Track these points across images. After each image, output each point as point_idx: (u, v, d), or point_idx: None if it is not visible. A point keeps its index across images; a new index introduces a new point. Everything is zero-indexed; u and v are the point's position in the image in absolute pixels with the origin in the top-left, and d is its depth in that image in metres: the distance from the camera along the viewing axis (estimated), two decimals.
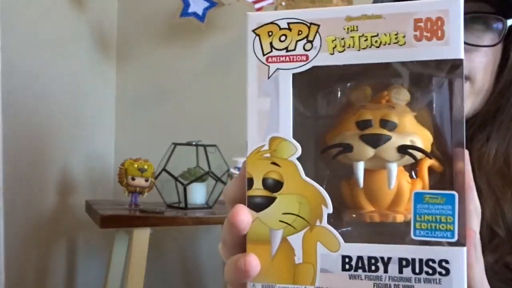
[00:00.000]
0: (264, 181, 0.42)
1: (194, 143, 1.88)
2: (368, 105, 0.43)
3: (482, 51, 0.63)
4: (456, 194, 0.39)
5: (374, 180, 0.42)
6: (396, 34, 0.39)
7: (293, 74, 0.41)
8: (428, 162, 0.42)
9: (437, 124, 0.42)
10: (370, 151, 0.41)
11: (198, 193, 1.88)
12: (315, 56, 0.41)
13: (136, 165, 1.79)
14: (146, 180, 1.79)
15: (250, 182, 0.42)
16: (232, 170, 1.87)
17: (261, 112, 0.42)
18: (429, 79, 0.41)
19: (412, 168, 0.42)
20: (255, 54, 0.42)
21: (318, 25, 0.41)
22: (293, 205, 0.41)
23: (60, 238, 1.99)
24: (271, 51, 0.42)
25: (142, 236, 1.67)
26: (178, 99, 2.25)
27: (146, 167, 1.80)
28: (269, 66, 0.42)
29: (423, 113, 0.43)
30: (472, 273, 0.41)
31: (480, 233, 0.62)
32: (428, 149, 0.42)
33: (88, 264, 2.18)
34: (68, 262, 2.07)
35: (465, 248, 0.39)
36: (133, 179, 1.78)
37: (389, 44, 0.39)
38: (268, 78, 0.42)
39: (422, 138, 0.42)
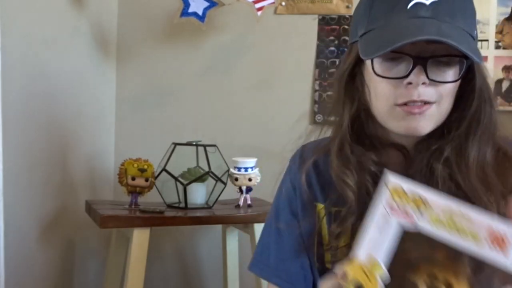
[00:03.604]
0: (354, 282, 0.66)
1: (194, 143, 1.88)
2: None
3: (446, 84, 0.82)
4: None
5: None
6: (474, 233, 0.63)
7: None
8: None
9: None
10: None
11: (198, 193, 1.88)
12: (419, 222, 0.66)
13: (136, 165, 1.79)
14: (146, 180, 1.79)
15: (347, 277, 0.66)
16: (232, 170, 1.87)
17: (372, 238, 0.66)
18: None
19: None
20: (382, 204, 0.67)
21: (432, 207, 0.66)
22: None
23: (60, 238, 1.99)
24: (393, 207, 0.67)
25: (142, 236, 1.67)
26: (178, 99, 2.25)
27: (146, 167, 1.80)
28: (390, 215, 0.67)
29: None
30: None
31: None
32: None
33: (88, 264, 2.18)
34: (68, 262, 2.07)
35: None
36: (133, 179, 1.78)
37: (466, 236, 0.63)
38: (386, 222, 0.66)
39: None
